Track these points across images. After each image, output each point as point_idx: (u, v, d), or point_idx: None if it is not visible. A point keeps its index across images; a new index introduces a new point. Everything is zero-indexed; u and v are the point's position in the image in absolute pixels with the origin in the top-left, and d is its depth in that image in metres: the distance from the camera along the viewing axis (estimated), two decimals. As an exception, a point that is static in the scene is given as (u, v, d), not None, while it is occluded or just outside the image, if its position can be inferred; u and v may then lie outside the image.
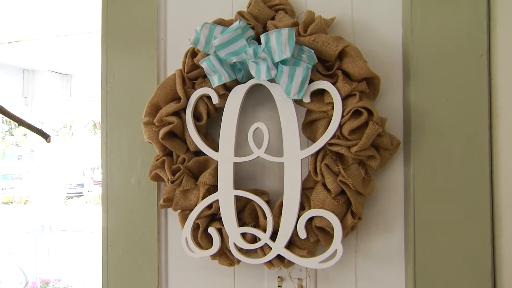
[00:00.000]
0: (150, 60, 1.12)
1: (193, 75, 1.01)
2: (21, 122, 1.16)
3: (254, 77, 0.94)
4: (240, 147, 1.03)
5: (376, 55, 0.98)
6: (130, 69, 1.14)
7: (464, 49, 0.91)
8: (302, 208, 0.93)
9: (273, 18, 0.99)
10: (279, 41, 0.88)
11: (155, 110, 1.02)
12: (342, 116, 0.89)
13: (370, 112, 0.88)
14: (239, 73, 0.98)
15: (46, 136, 1.18)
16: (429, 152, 0.92)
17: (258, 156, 0.95)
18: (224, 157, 0.98)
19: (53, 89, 4.03)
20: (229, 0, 1.08)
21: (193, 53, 1.01)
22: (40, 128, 1.18)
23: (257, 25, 0.99)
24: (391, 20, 0.97)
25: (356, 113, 0.89)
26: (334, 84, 0.91)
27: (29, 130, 1.21)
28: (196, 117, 1.02)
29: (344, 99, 0.90)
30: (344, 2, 1.00)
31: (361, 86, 0.90)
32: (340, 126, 0.89)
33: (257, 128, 0.95)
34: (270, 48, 0.90)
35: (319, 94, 0.94)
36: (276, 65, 0.90)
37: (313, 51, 0.89)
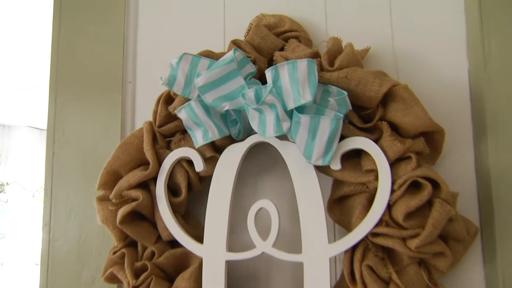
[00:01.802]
0: (113, 110, 0.83)
1: (169, 129, 0.71)
2: None
3: (256, 132, 0.65)
4: (235, 232, 0.72)
5: (429, 99, 0.68)
6: (85, 122, 0.84)
7: None
8: (333, 336, 0.61)
9: (282, 49, 0.71)
10: (295, 78, 0.60)
11: (113, 181, 0.72)
12: (392, 191, 0.59)
13: (435, 185, 0.58)
14: (234, 126, 0.69)
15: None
16: (524, 243, 0.61)
17: (263, 252, 0.64)
18: (212, 252, 0.66)
19: (30, 146, 3.74)
20: (221, 27, 0.81)
21: (168, 99, 0.72)
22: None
23: (260, 58, 0.71)
24: (450, 50, 0.69)
25: (414, 186, 0.58)
26: (376, 141, 0.61)
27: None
28: (173, 190, 0.72)
29: (394, 164, 0.60)
30: (380, 26, 0.73)
31: (419, 145, 0.61)
32: (389, 207, 0.59)
33: (261, 208, 0.65)
34: (281, 89, 0.61)
35: (354, 157, 0.64)
36: (290, 114, 0.61)
37: (345, 93, 0.59)
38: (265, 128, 0.62)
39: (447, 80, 0.69)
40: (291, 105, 0.60)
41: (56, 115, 0.85)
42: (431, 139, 0.63)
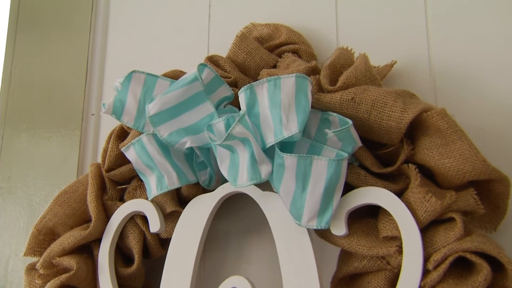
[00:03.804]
0: (69, 147, 0.69)
1: (121, 174, 0.57)
2: None
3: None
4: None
5: (482, 133, 0.50)
6: (36, 166, 0.71)
7: None
8: None
9: (275, 67, 0.56)
10: (276, 101, 0.44)
11: (47, 243, 0.57)
12: (426, 272, 0.40)
13: (495, 265, 0.39)
14: (203, 171, 0.53)
15: None
16: None
17: None
18: None
19: None
20: (204, 43, 0.67)
21: (121, 134, 0.58)
22: None
23: (243, 79, 0.56)
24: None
25: (461, 265, 0.40)
26: (400, 194, 0.43)
27: None
28: (126, 256, 0.57)
29: (427, 230, 0.42)
30: (412, 34, 0.56)
31: (466, 200, 0.43)
32: (421, 296, 0.41)
33: (232, 289, 0.47)
34: (258, 117, 0.45)
35: (367, 216, 0.46)
36: (271, 153, 0.45)
37: (350, 122, 0.42)
38: (237, 173, 0.46)
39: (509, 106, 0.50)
40: (270, 140, 0.44)
41: (2, 156, 0.72)
42: (488, 192, 0.45)
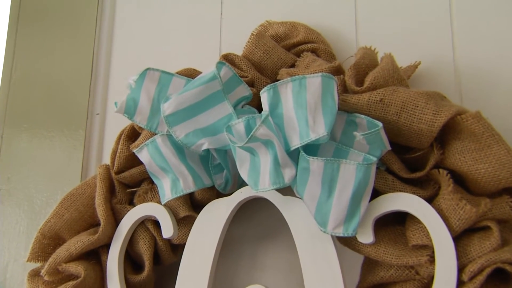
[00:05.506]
0: (73, 148, 0.67)
1: (131, 176, 0.55)
2: None
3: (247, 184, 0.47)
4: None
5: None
6: (38, 167, 0.69)
7: None
8: None
9: (293, 67, 0.55)
10: (302, 102, 0.42)
11: (52, 248, 0.55)
12: (460, 284, 0.39)
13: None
14: (219, 174, 0.51)
15: None
16: None
17: None
18: None
19: None
20: (216, 42, 0.65)
21: (132, 134, 0.56)
22: None
23: (260, 79, 0.54)
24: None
25: (499, 276, 0.38)
26: (430, 200, 0.42)
27: None
28: (135, 262, 0.55)
29: (461, 238, 0.41)
30: (436, 33, 0.54)
31: (502, 208, 0.41)
32: (455, 309, 0.39)
33: (251, 299, 0.46)
34: (282, 118, 0.43)
35: (395, 223, 0.45)
36: (295, 156, 0.43)
37: (380, 125, 0.41)
38: (258, 177, 0.44)
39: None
40: (295, 143, 0.42)
41: (2, 156, 0.70)
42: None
